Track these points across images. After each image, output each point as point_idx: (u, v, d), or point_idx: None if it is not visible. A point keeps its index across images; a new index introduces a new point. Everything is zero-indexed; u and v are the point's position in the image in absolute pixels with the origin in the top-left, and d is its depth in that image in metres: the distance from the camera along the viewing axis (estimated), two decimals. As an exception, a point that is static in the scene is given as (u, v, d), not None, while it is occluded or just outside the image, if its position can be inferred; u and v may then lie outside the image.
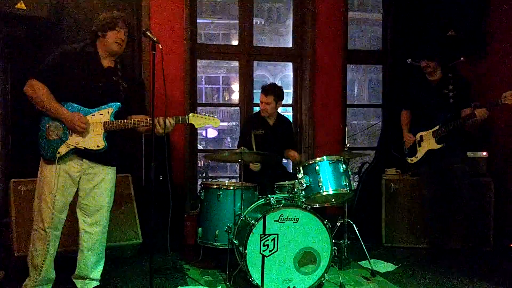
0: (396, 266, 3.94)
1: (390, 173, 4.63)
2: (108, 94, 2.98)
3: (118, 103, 2.99)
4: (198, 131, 5.68)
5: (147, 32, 2.87)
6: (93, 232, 3.05)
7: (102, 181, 3.05)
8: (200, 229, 3.90)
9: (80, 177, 2.99)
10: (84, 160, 2.96)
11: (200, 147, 12.90)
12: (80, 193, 3.02)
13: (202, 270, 3.80)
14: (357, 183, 5.13)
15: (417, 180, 4.43)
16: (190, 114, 3.07)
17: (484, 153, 4.52)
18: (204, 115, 3.09)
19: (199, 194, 4.02)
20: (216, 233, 3.73)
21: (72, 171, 2.94)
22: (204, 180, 5.10)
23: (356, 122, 13.40)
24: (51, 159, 2.87)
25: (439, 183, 4.07)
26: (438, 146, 3.95)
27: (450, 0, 4.96)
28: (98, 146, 2.93)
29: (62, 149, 2.87)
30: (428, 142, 4.01)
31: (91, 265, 3.08)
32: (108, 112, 2.95)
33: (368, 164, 5.12)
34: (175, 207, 3.55)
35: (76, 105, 2.91)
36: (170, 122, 3.00)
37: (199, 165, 6.42)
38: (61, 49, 2.98)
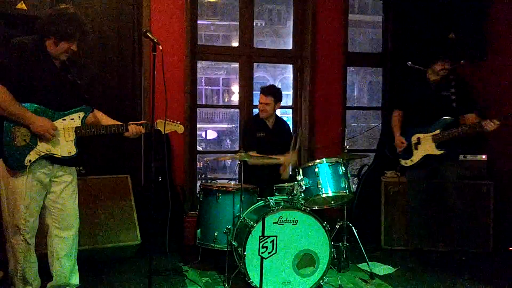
0: (395, 269, 3.93)
1: (389, 176, 4.63)
2: (69, 95, 2.84)
3: (89, 107, 2.91)
4: (198, 132, 5.68)
5: (147, 33, 2.84)
6: (68, 236, 2.92)
7: (70, 183, 2.93)
8: (199, 230, 3.90)
9: (50, 180, 2.85)
10: (54, 165, 2.83)
11: (199, 148, 12.90)
12: (50, 196, 2.86)
13: (201, 272, 3.80)
14: (356, 186, 5.13)
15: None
16: (158, 120, 3.03)
17: (484, 156, 4.52)
18: (171, 121, 3.09)
19: (198, 195, 4.01)
20: (215, 234, 3.72)
21: (42, 177, 2.78)
22: (203, 181, 5.09)
23: (355, 124, 13.41)
24: (19, 168, 2.68)
25: (429, 188, 3.96)
26: (439, 152, 3.80)
27: (450, 3, 4.98)
28: (70, 153, 2.82)
29: (32, 157, 2.70)
30: (427, 146, 3.86)
31: (69, 271, 2.95)
32: (79, 117, 2.85)
33: (368, 167, 5.12)
34: (174, 208, 3.56)
35: (42, 107, 2.73)
36: (140, 129, 2.97)
37: (198, 166, 6.43)
38: (14, 44, 2.72)
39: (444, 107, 3.80)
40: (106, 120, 3.05)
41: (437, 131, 3.81)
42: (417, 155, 3.94)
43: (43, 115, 2.73)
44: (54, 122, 2.77)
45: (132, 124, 2.98)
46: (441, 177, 3.91)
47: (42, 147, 2.74)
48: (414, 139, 3.95)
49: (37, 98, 2.73)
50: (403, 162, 4.05)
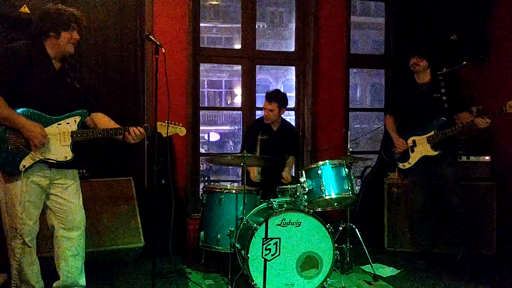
0: (399, 271, 3.92)
1: (392, 177, 4.62)
2: (66, 99, 2.82)
3: (86, 111, 2.87)
4: (201, 135, 5.69)
5: (150, 36, 2.85)
6: (74, 237, 2.91)
7: (72, 185, 2.91)
8: (202, 232, 3.90)
9: (49, 182, 2.82)
10: (52, 169, 2.80)
11: (202, 150, 12.90)
12: (52, 197, 2.85)
13: (204, 274, 3.80)
14: (359, 187, 5.12)
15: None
16: (158, 123, 3.01)
17: (487, 158, 4.51)
18: (172, 124, 3.05)
19: (201, 197, 4.01)
20: (218, 236, 3.72)
21: (40, 180, 2.76)
22: (206, 183, 5.09)
23: (358, 126, 13.38)
24: (14, 174, 2.66)
25: (430, 189, 4.00)
26: (435, 153, 3.86)
27: (452, 5, 4.98)
28: (66, 157, 2.79)
29: (27, 162, 2.67)
30: (423, 148, 3.92)
31: (78, 271, 2.94)
32: (75, 121, 2.82)
33: (371, 168, 5.11)
34: (177, 211, 3.56)
35: (38, 112, 2.70)
36: (140, 131, 2.89)
37: (201, 168, 6.43)
38: (9, 48, 2.72)
39: (436, 108, 3.83)
40: (109, 124, 2.99)
41: (432, 133, 3.87)
42: (414, 157, 4.00)
43: (38, 120, 2.70)
44: (50, 127, 2.74)
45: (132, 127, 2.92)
46: (440, 178, 3.96)
47: (37, 152, 2.71)
48: (409, 142, 4.00)
49: (33, 102, 2.71)
50: (400, 165, 4.10)
